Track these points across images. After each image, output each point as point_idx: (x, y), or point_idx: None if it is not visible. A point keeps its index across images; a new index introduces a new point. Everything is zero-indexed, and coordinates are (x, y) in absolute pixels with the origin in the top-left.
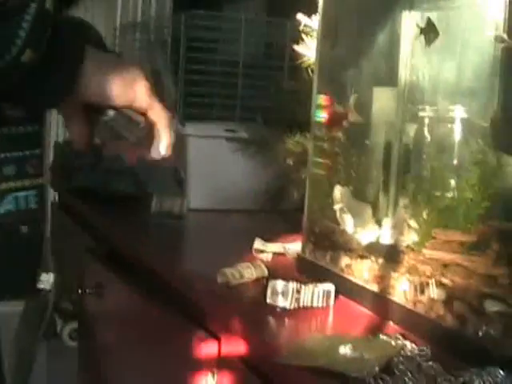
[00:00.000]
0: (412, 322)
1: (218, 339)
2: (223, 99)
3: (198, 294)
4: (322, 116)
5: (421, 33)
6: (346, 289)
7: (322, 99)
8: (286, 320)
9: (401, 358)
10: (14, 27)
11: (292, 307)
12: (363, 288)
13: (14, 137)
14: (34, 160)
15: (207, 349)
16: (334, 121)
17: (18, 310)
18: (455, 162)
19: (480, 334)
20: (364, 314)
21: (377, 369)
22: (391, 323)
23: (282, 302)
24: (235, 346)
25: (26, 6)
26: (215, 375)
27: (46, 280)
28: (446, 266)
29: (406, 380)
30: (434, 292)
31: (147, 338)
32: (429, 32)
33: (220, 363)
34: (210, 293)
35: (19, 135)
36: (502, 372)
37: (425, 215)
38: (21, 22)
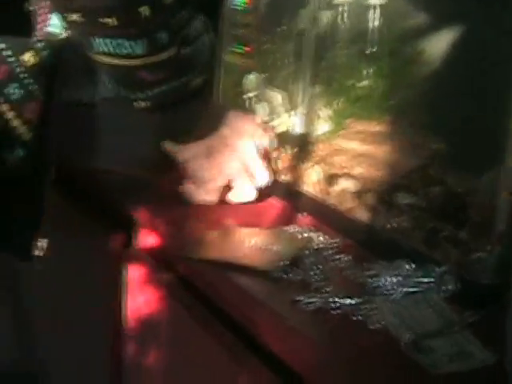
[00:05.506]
0: (323, 214)
1: (128, 232)
2: None
3: (104, 186)
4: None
5: None
6: None
7: None
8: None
9: (310, 251)
10: None
11: None
12: (274, 179)
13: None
14: None
15: (116, 241)
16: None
17: None
18: (369, 50)
19: (390, 226)
20: (274, 205)
21: (284, 262)
22: (302, 215)
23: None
24: (144, 239)
25: None
26: (125, 268)
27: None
28: (358, 156)
29: (313, 273)
30: (345, 183)
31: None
32: None
33: (129, 256)
34: (118, 184)
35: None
36: (409, 265)
37: (337, 105)
38: None
